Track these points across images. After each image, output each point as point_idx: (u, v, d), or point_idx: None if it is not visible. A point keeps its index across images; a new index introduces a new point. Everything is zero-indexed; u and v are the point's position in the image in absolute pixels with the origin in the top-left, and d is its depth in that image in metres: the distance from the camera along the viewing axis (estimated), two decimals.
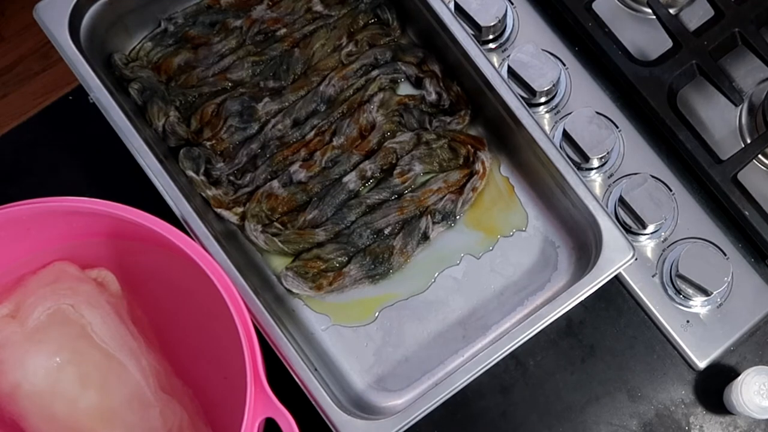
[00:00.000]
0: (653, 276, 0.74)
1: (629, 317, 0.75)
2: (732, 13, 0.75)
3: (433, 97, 0.77)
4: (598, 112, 0.74)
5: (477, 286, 0.74)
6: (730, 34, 0.75)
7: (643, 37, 0.80)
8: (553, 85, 0.75)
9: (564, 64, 0.79)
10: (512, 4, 0.80)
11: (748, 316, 0.74)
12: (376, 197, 0.75)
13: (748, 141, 0.77)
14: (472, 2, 0.76)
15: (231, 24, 0.78)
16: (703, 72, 0.75)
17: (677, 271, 0.72)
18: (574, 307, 0.66)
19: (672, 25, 0.76)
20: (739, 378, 0.69)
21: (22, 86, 1.55)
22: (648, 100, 0.74)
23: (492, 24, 0.76)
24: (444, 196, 0.75)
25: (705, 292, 0.72)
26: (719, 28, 0.75)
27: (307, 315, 0.73)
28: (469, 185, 0.74)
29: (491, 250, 0.74)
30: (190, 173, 0.73)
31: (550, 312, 0.66)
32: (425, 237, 0.74)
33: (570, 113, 0.75)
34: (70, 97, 0.80)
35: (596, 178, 0.77)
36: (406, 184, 0.75)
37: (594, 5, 0.78)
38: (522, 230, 0.74)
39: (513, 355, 0.72)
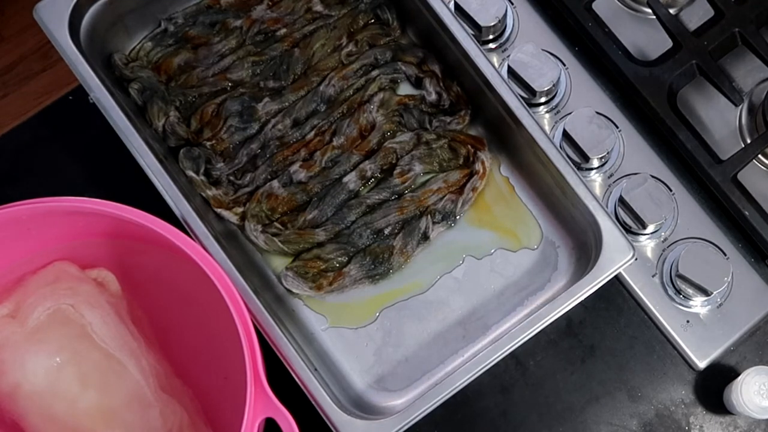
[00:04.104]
0: (653, 276, 0.74)
1: (629, 317, 0.75)
2: (732, 13, 0.75)
3: (433, 97, 0.77)
4: (598, 112, 0.74)
5: (477, 286, 0.74)
6: (730, 34, 0.75)
7: (643, 37, 0.80)
8: (553, 85, 0.75)
9: (564, 64, 0.79)
10: (512, 4, 0.80)
11: (748, 316, 0.74)
12: (376, 197, 0.75)
13: (748, 141, 0.77)
14: (472, 2, 0.76)
15: (231, 24, 0.78)
16: (703, 72, 0.75)
17: (677, 271, 0.72)
18: (574, 307, 0.66)
19: (672, 25, 0.76)
20: (739, 378, 0.69)
21: (22, 86, 1.55)
22: (648, 100, 0.74)
23: (492, 24, 0.76)
24: (444, 196, 0.75)
25: (705, 292, 0.72)
26: (719, 28, 0.75)
27: (307, 315, 0.73)
28: (469, 185, 0.74)
29: (491, 252, 0.74)
30: (190, 173, 0.73)
31: (550, 312, 0.66)
32: (425, 237, 0.74)
33: (570, 113, 0.75)
34: (70, 97, 0.80)
35: (596, 178, 0.77)
36: (406, 184, 0.75)
37: (594, 5, 0.78)
38: (533, 248, 0.74)
39: (513, 355, 0.72)
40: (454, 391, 0.64)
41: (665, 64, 0.75)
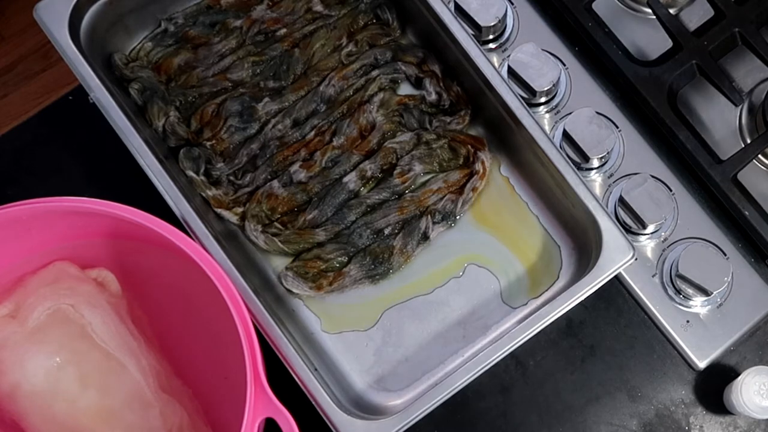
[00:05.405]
0: (653, 276, 0.74)
1: (629, 317, 0.75)
2: (732, 13, 0.75)
3: (433, 97, 0.77)
4: (598, 112, 0.74)
5: (477, 286, 0.74)
6: (730, 34, 0.75)
7: (643, 37, 0.80)
8: (553, 85, 0.75)
9: (564, 64, 0.79)
10: (512, 4, 0.80)
11: (748, 316, 0.74)
12: (376, 197, 0.75)
13: (748, 141, 0.77)
14: (472, 2, 0.76)
15: (231, 24, 0.78)
16: (703, 72, 0.75)
17: (677, 271, 0.72)
18: (574, 307, 0.66)
19: (672, 25, 0.76)
20: (739, 378, 0.69)
21: (22, 86, 1.55)
22: (648, 100, 0.74)
23: (492, 24, 0.76)
24: (444, 196, 0.75)
25: (705, 292, 0.72)
26: (719, 28, 0.75)
27: (307, 315, 0.73)
28: (469, 185, 0.74)
29: (491, 253, 0.74)
30: (190, 173, 0.73)
31: (550, 312, 0.66)
32: (425, 237, 0.74)
33: (570, 113, 0.75)
34: (70, 97, 0.80)
35: (596, 178, 0.77)
36: (406, 184, 0.75)
37: (594, 5, 0.78)
38: (533, 249, 0.74)
39: (513, 355, 0.72)
40: (454, 391, 0.64)
41: (665, 64, 0.75)
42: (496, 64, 0.77)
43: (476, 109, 0.76)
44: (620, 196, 0.73)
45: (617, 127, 0.77)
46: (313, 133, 0.76)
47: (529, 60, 0.75)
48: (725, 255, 0.74)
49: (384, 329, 0.73)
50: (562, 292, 0.67)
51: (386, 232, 0.74)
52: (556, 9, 0.79)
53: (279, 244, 0.73)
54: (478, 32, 0.78)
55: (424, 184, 0.76)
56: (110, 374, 0.66)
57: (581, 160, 0.75)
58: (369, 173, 0.75)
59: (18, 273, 0.69)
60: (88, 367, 0.66)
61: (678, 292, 0.73)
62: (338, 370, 0.72)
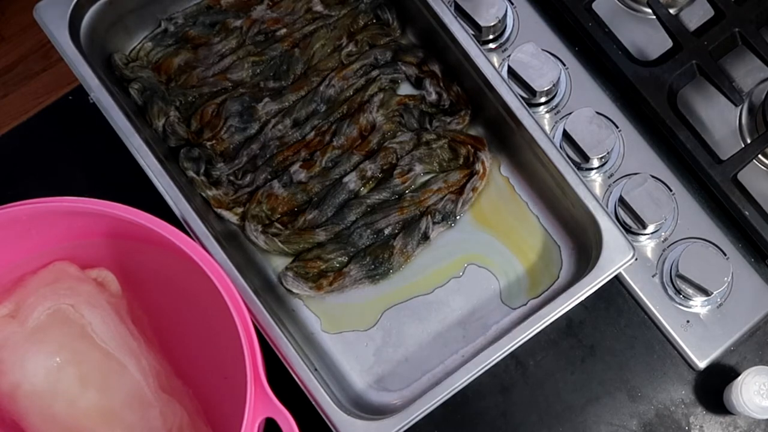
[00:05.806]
0: (653, 276, 0.74)
1: (629, 317, 0.75)
2: (732, 13, 0.75)
3: (433, 97, 0.77)
4: (598, 112, 0.74)
5: (477, 286, 0.74)
6: (730, 34, 0.75)
7: (643, 37, 0.80)
8: (553, 85, 0.75)
9: (564, 64, 0.79)
10: (512, 4, 0.80)
11: (748, 316, 0.74)
12: (377, 197, 0.75)
13: (748, 141, 0.77)
14: (472, 2, 0.76)
15: (231, 24, 0.78)
16: (703, 72, 0.75)
17: (677, 271, 0.72)
18: (574, 307, 0.66)
19: (672, 25, 0.76)
20: (739, 378, 0.69)
21: (22, 86, 1.55)
22: (648, 100, 0.74)
23: (492, 24, 0.76)
24: (444, 197, 0.75)
25: (705, 292, 0.72)
26: (719, 28, 0.75)
27: (307, 315, 0.73)
28: (469, 185, 0.74)
29: (491, 253, 0.74)
30: (191, 173, 0.73)
31: (550, 312, 0.66)
32: (425, 237, 0.74)
33: (570, 113, 0.75)
34: (70, 97, 0.80)
35: (596, 178, 0.77)
36: (407, 184, 0.75)
37: (594, 5, 0.78)
38: (533, 249, 0.74)
39: (513, 355, 0.72)
40: (454, 391, 0.64)
41: (665, 64, 0.75)
42: (496, 64, 0.77)
43: (476, 109, 0.76)
44: (620, 196, 0.73)
45: (617, 127, 0.77)
46: (313, 133, 0.76)
47: (529, 60, 0.75)
48: (725, 255, 0.74)
49: (384, 329, 0.73)
50: (562, 292, 0.67)
51: (386, 232, 0.74)
52: (556, 9, 0.79)
53: (279, 244, 0.73)
54: (478, 32, 0.78)
55: (424, 184, 0.76)
56: (110, 374, 0.66)
57: (581, 160, 0.75)
58: (369, 173, 0.75)
59: (18, 273, 0.69)
60: (88, 367, 0.66)
61: (678, 292, 0.73)
62: (338, 370, 0.72)
